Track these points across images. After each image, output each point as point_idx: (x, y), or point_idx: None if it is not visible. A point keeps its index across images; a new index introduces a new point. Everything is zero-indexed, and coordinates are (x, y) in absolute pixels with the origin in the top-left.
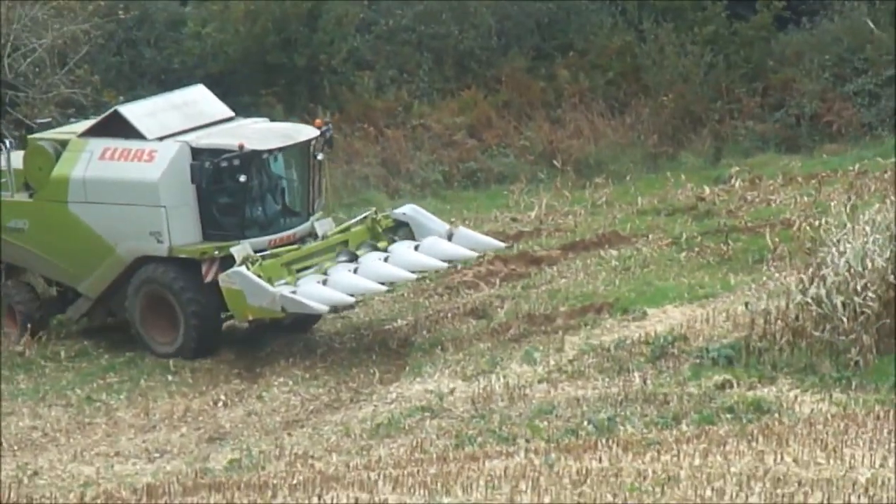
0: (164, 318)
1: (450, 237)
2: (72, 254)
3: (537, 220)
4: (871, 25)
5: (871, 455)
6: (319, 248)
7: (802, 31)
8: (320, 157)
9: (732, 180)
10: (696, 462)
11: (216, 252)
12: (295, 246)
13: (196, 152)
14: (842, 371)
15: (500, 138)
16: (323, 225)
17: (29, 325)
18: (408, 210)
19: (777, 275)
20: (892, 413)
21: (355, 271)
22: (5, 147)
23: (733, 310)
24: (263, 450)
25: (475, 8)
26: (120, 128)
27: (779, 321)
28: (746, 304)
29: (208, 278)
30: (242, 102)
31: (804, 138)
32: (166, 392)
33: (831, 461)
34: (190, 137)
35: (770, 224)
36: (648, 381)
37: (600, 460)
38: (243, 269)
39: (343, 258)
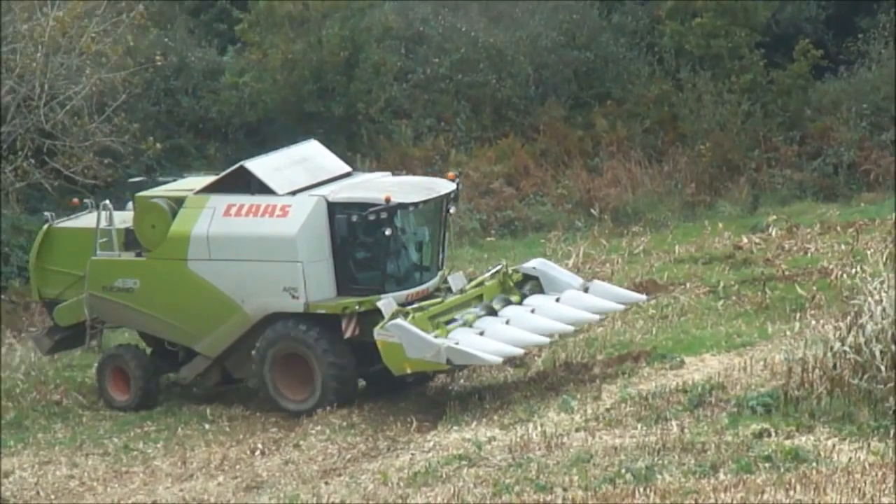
0: (294, 375)
1: (586, 290)
2: (191, 313)
3: (574, 268)
4: None
5: None
6: (460, 302)
7: (840, 80)
8: (452, 210)
9: (770, 229)
10: None
11: (357, 307)
12: (437, 300)
13: (332, 206)
14: (880, 420)
15: (537, 187)
16: (457, 279)
17: (142, 389)
18: (537, 264)
19: (815, 323)
20: None
21: (507, 323)
22: (108, 207)
23: (771, 358)
24: (301, 499)
25: (512, 57)
26: (246, 183)
27: (816, 370)
28: (779, 353)
29: (347, 334)
30: None
31: (841, 187)
32: (203, 441)
33: None
34: (324, 192)
35: (807, 272)
36: (686, 430)
37: None
38: (401, 321)
39: (481, 311)
